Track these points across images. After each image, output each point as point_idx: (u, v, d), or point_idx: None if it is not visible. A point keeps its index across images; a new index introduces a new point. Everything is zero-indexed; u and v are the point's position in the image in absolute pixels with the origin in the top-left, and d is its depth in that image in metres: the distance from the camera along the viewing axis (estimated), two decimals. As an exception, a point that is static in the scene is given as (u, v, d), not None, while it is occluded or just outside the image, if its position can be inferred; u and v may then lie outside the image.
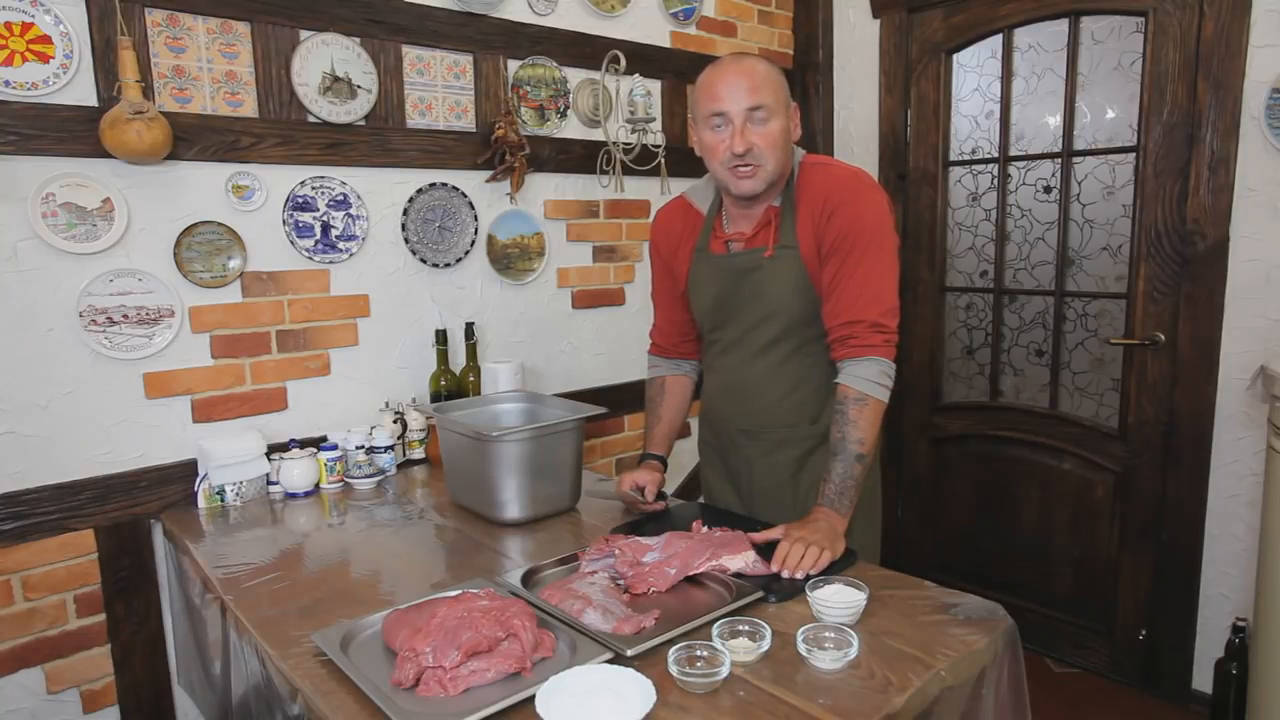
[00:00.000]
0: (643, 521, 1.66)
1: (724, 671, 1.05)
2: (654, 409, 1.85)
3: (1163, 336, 2.47)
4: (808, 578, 1.30)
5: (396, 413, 2.18)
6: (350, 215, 2.12)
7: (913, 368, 3.05)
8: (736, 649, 1.12)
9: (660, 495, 1.72)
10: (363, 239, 2.15)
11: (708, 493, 1.88)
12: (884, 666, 1.10)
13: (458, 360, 2.30)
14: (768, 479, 1.70)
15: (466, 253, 2.34)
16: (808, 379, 1.64)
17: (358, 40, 2.08)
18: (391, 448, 2.07)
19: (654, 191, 2.78)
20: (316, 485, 1.96)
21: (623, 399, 2.73)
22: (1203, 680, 2.46)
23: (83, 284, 1.75)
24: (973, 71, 2.85)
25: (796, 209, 1.56)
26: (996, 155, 2.81)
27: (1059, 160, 2.66)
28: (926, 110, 2.95)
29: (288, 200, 2.02)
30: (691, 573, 1.34)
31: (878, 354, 1.49)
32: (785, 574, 1.33)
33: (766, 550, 1.39)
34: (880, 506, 1.82)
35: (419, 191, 2.23)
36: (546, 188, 2.53)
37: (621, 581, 1.33)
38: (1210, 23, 2.27)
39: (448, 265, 2.32)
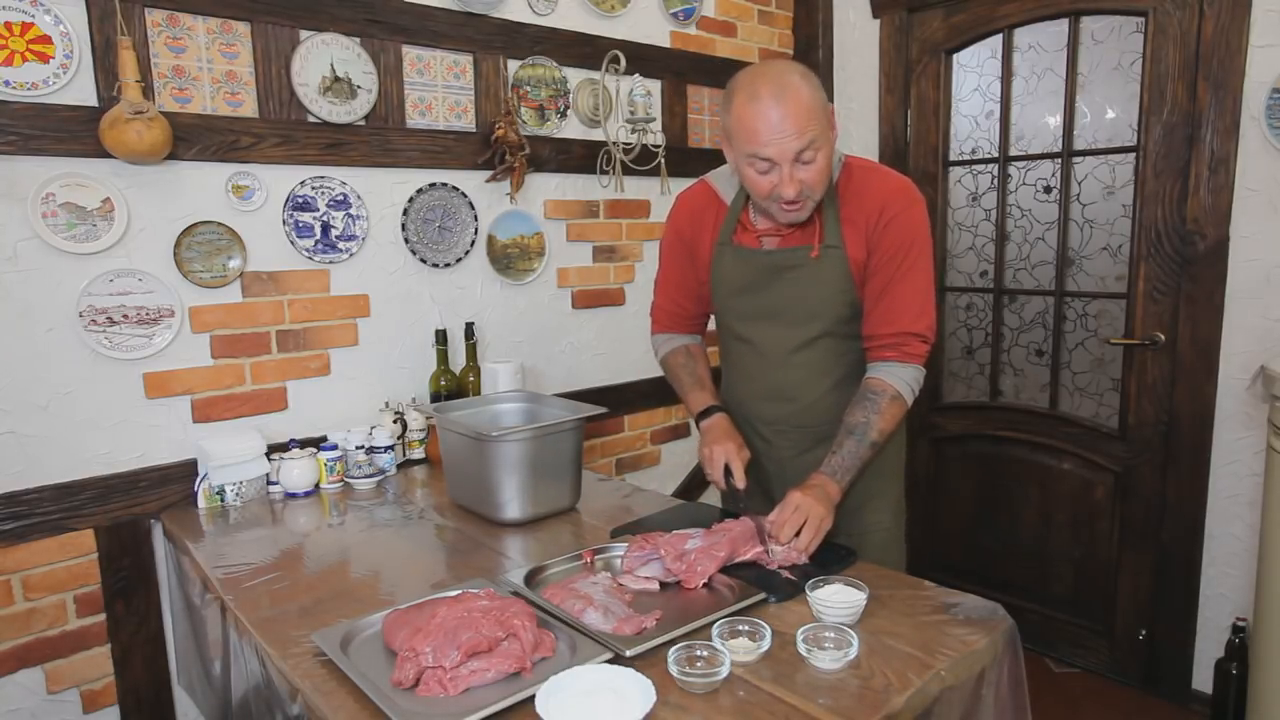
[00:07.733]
0: (644, 520, 1.66)
1: (724, 671, 1.05)
2: (692, 370, 1.76)
3: (1163, 336, 2.47)
4: (807, 578, 1.30)
5: (396, 413, 2.18)
6: (350, 215, 2.12)
7: (913, 368, 3.05)
8: (736, 649, 1.12)
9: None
10: (363, 239, 2.15)
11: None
12: (884, 666, 1.10)
13: (458, 360, 2.30)
14: (802, 478, 1.60)
15: (466, 253, 2.34)
16: (847, 375, 1.63)
17: (358, 40, 2.08)
18: (391, 448, 2.06)
19: (654, 191, 2.78)
20: (316, 485, 1.96)
21: (623, 399, 2.73)
22: (1203, 680, 2.46)
23: (83, 284, 1.75)
24: (973, 71, 2.85)
25: (841, 210, 1.53)
26: (996, 155, 2.80)
27: (1059, 160, 2.65)
28: (926, 110, 2.95)
29: (288, 200, 2.02)
30: (739, 559, 1.38)
31: (919, 364, 1.56)
32: (779, 548, 1.38)
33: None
34: (904, 506, 1.80)
35: (419, 191, 2.23)
36: (546, 188, 2.53)
37: (658, 580, 1.34)
38: (1210, 23, 2.27)
39: (448, 265, 2.31)
